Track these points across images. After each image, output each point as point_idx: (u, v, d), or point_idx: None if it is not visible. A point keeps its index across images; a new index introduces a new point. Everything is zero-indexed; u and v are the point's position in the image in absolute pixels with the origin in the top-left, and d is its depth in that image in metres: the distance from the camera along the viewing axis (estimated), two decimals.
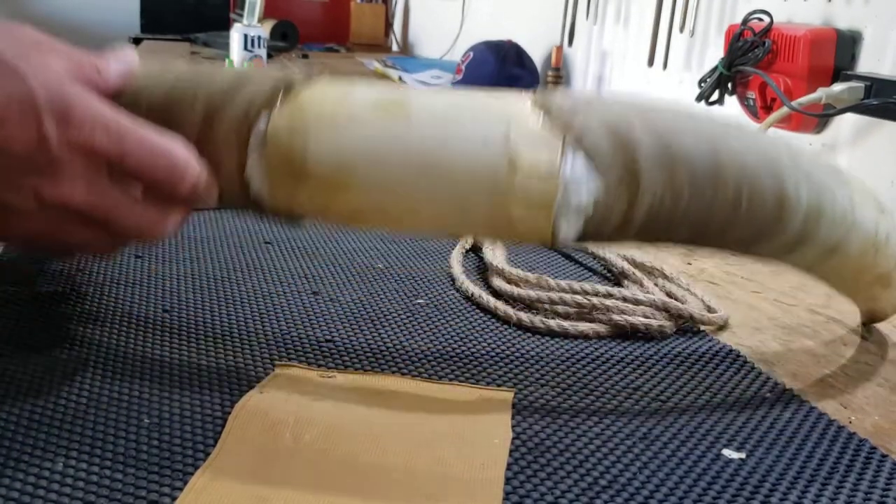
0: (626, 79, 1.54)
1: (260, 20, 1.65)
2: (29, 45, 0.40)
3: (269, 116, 0.44)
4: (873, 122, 0.93)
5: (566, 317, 0.59)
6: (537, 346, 0.55)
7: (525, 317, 0.58)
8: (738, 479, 0.41)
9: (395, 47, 2.87)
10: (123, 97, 0.44)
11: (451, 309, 0.61)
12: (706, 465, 0.42)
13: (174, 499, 0.36)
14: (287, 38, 2.39)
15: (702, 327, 0.60)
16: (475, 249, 0.74)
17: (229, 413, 0.44)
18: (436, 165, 0.43)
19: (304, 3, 2.82)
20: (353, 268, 0.68)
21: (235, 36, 1.59)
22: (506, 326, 0.58)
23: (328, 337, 0.55)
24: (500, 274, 0.65)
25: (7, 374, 0.46)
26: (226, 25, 2.28)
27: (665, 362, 0.54)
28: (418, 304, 0.62)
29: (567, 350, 0.55)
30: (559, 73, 1.59)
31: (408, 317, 0.59)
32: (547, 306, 0.60)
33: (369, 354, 0.52)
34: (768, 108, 1.02)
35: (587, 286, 0.60)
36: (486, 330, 0.58)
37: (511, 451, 0.42)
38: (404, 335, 0.56)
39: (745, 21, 1.06)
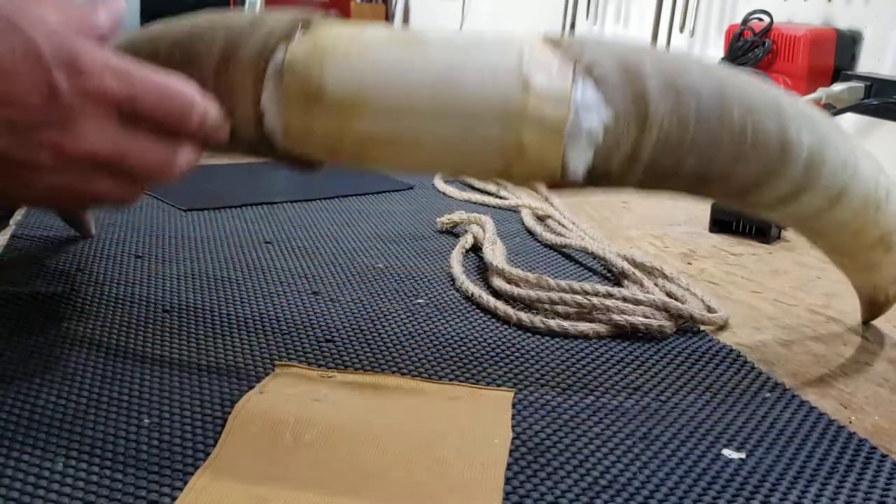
0: None
1: None
2: None
3: (286, 48, 0.44)
4: (873, 122, 0.93)
5: (566, 317, 0.59)
6: (537, 346, 0.55)
7: (525, 317, 0.58)
8: (738, 479, 0.41)
9: None
10: (132, 42, 0.45)
11: (451, 309, 0.61)
12: (706, 465, 0.42)
13: (174, 499, 0.36)
14: None
15: (702, 327, 0.60)
16: (475, 249, 0.74)
17: (229, 413, 0.44)
18: (449, 89, 0.43)
19: (305, 3, 2.82)
20: (353, 268, 0.68)
21: None
22: (506, 326, 0.58)
23: (328, 337, 0.55)
24: (500, 274, 0.65)
25: (7, 375, 0.46)
26: None
27: (665, 362, 0.54)
28: (418, 304, 0.62)
29: (567, 350, 0.55)
30: None
31: (408, 317, 0.59)
32: (547, 306, 0.60)
33: (369, 354, 0.52)
34: None
35: (587, 286, 0.60)
36: (486, 330, 0.58)
37: (511, 451, 0.42)
38: (404, 335, 0.56)
39: (745, 21, 1.06)
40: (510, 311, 0.59)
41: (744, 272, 0.75)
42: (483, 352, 0.54)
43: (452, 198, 0.93)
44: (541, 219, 0.85)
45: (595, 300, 0.59)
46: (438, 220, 0.80)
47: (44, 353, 0.49)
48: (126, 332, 0.53)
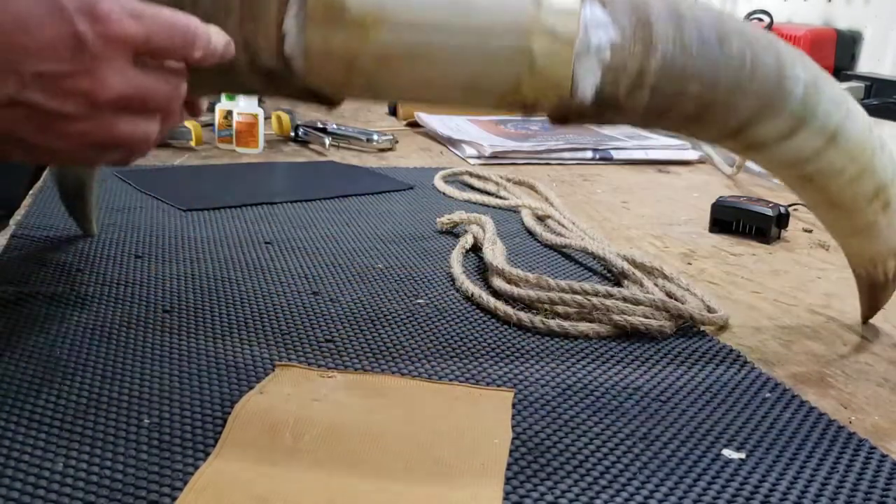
0: None
1: None
2: None
3: None
4: (873, 122, 0.93)
5: (566, 317, 0.59)
6: (537, 346, 0.55)
7: (525, 317, 0.58)
8: (738, 478, 0.41)
9: None
10: None
11: (451, 309, 0.61)
12: (706, 465, 0.42)
13: (174, 499, 0.36)
14: None
15: (702, 327, 0.60)
16: (475, 249, 0.74)
17: (229, 413, 0.44)
18: (465, 4, 0.45)
19: None
20: (353, 268, 0.68)
21: None
22: (506, 326, 0.58)
23: (328, 337, 0.55)
24: (500, 274, 0.65)
25: (7, 374, 0.46)
26: None
27: (665, 362, 0.54)
28: (418, 304, 0.62)
29: (567, 350, 0.55)
30: None
31: (408, 317, 0.59)
32: (547, 306, 0.60)
33: (369, 354, 0.52)
34: None
35: (587, 286, 0.60)
36: (486, 330, 0.58)
37: (511, 451, 0.42)
38: (404, 335, 0.56)
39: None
40: (510, 311, 0.59)
41: (744, 272, 0.75)
42: (483, 352, 0.54)
43: (452, 198, 0.93)
44: (541, 219, 0.85)
45: (595, 300, 0.59)
46: (438, 220, 0.80)
47: (44, 353, 0.49)
48: (126, 332, 0.53)
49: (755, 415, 0.48)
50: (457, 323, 0.59)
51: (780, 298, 0.69)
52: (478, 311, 0.61)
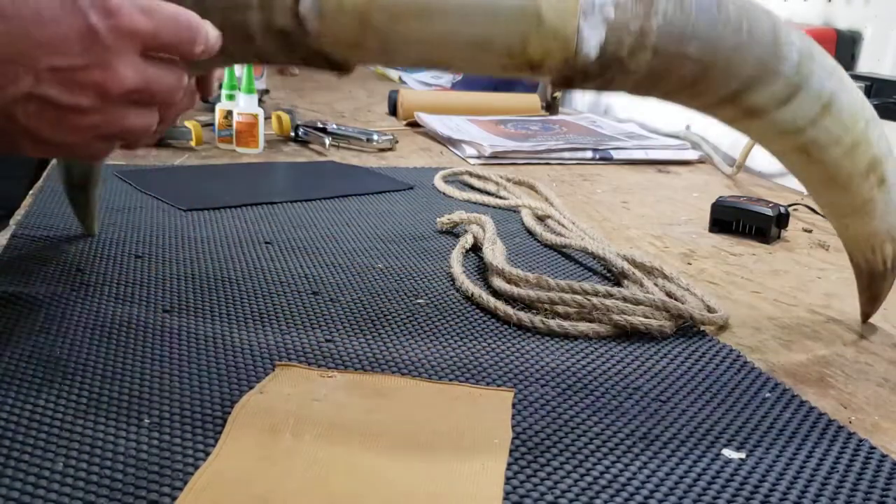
0: None
1: None
2: None
3: None
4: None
5: (566, 317, 0.59)
6: (537, 346, 0.55)
7: (525, 317, 0.58)
8: (738, 478, 0.41)
9: None
10: None
11: (451, 309, 0.61)
12: (706, 465, 0.42)
13: (174, 499, 0.36)
14: None
15: (702, 327, 0.60)
16: (475, 249, 0.74)
17: (229, 413, 0.44)
18: None
19: None
20: (353, 268, 0.68)
21: None
22: (506, 326, 0.58)
23: (328, 337, 0.55)
24: (500, 274, 0.65)
25: (7, 374, 0.46)
26: None
27: (665, 362, 0.54)
28: (418, 304, 0.62)
29: (567, 350, 0.55)
30: None
31: (408, 317, 0.59)
32: (547, 306, 0.60)
33: (369, 354, 0.52)
34: None
35: (587, 286, 0.60)
36: (486, 330, 0.58)
37: (511, 451, 0.42)
38: (404, 335, 0.56)
39: None
40: (510, 311, 0.59)
41: (744, 272, 0.75)
42: (483, 352, 0.54)
43: (452, 198, 0.93)
44: (541, 219, 0.85)
45: (595, 300, 0.59)
46: (438, 220, 0.80)
47: (44, 353, 0.49)
48: (126, 332, 0.53)
49: (755, 415, 0.48)
50: (457, 323, 0.59)
51: (780, 298, 0.69)
52: (478, 311, 0.61)
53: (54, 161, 0.86)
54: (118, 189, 0.87)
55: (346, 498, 0.37)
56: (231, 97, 1.12)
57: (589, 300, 0.59)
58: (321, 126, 1.19)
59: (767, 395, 0.50)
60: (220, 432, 0.42)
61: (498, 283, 0.64)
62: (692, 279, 0.70)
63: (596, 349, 0.55)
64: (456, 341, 0.55)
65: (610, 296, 0.59)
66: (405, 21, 0.47)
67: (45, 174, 0.90)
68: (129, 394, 0.45)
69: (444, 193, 0.95)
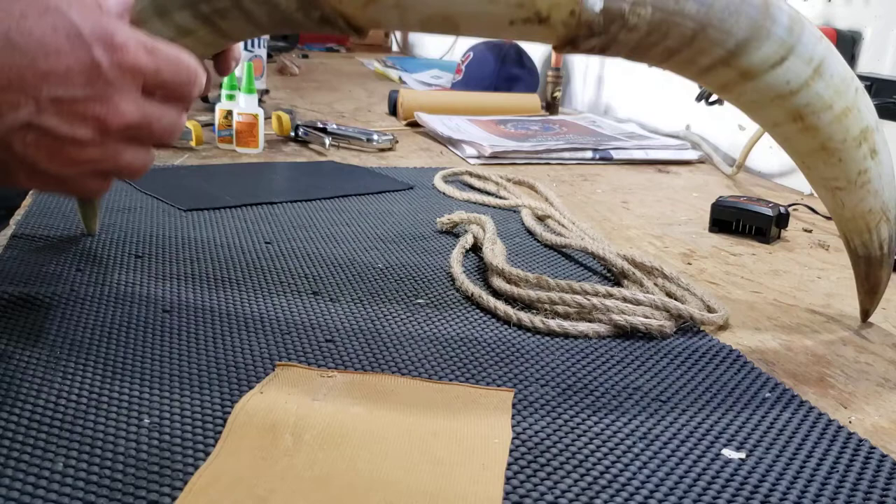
0: (627, 79, 1.54)
1: None
2: None
3: None
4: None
5: (566, 317, 0.59)
6: (537, 346, 0.55)
7: (525, 317, 0.58)
8: (738, 478, 0.41)
9: (395, 47, 2.87)
10: None
11: (451, 309, 0.61)
12: (706, 464, 0.42)
13: (174, 499, 0.36)
14: (287, 38, 2.39)
15: (702, 327, 0.60)
16: (475, 249, 0.74)
17: (229, 413, 0.44)
18: None
19: None
20: (353, 268, 0.68)
21: None
22: (506, 326, 0.58)
23: (328, 337, 0.55)
24: (500, 274, 0.65)
25: (7, 375, 0.46)
26: None
27: (665, 362, 0.54)
28: (418, 304, 0.62)
29: (567, 350, 0.55)
30: (559, 74, 1.59)
31: (408, 317, 0.59)
32: (547, 306, 0.60)
33: (369, 354, 0.52)
34: None
35: (587, 286, 0.60)
36: (486, 330, 0.58)
37: (511, 451, 0.42)
38: (404, 335, 0.56)
39: None
40: (510, 311, 0.59)
41: (744, 272, 0.75)
42: (483, 352, 0.54)
43: (452, 198, 0.93)
44: (541, 219, 0.85)
45: (595, 300, 0.59)
46: (438, 220, 0.80)
47: (44, 354, 0.49)
48: (126, 332, 0.53)
49: (755, 415, 0.48)
50: (457, 323, 0.59)
51: (780, 298, 0.69)
52: (478, 311, 0.61)
53: None
54: (118, 189, 0.87)
55: (346, 498, 0.37)
56: (231, 97, 1.12)
57: (589, 300, 0.59)
58: (321, 126, 1.19)
59: (767, 395, 0.50)
60: (220, 432, 0.42)
61: (498, 283, 0.64)
62: (692, 279, 0.70)
63: (596, 349, 0.55)
64: (456, 341, 0.55)
65: (610, 296, 0.59)
66: None
67: None
68: (129, 394, 0.45)
69: (444, 193, 0.95)
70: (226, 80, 1.12)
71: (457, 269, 0.67)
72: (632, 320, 0.58)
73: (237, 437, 0.41)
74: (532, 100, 1.55)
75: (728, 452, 0.43)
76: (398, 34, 2.87)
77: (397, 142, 1.22)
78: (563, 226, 0.82)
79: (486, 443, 0.42)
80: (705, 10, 0.50)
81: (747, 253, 0.81)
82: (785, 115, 0.54)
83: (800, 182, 1.09)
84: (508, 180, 1.00)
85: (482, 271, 0.69)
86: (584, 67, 1.68)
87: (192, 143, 1.10)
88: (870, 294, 0.63)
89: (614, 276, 0.69)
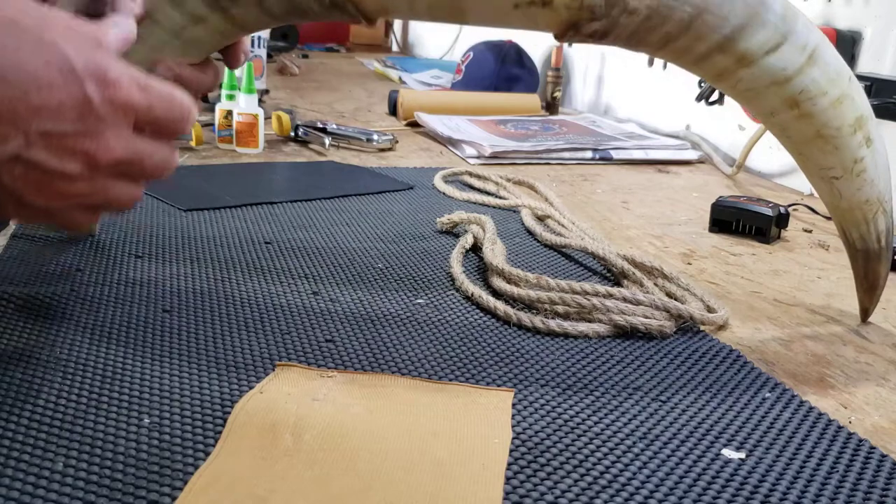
0: (627, 79, 1.54)
1: None
2: (35, 14, 0.41)
3: None
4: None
5: (566, 317, 0.59)
6: (537, 346, 0.55)
7: (525, 317, 0.58)
8: (738, 478, 0.41)
9: (395, 47, 2.87)
10: None
11: (451, 309, 0.61)
12: (706, 464, 0.42)
13: (174, 499, 0.36)
14: (287, 38, 2.39)
15: (702, 327, 0.60)
16: (475, 249, 0.74)
17: (229, 413, 0.44)
18: None
19: None
20: (353, 268, 0.68)
21: None
22: (506, 326, 0.58)
23: (328, 337, 0.55)
24: (500, 274, 0.65)
25: (7, 375, 0.46)
26: None
27: (665, 362, 0.54)
28: (418, 304, 0.62)
29: (567, 350, 0.55)
30: (559, 74, 1.59)
31: (408, 317, 0.59)
32: (547, 306, 0.60)
33: (369, 354, 0.52)
34: None
35: (587, 286, 0.60)
36: (486, 330, 0.58)
37: (511, 451, 0.42)
38: (404, 335, 0.56)
39: None
40: (510, 311, 0.59)
41: (744, 272, 0.75)
42: (483, 352, 0.54)
43: (452, 198, 0.93)
44: (541, 219, 0.85)
45: (595, 300, 0.59)
46: (438, 220, 0.80)
47: (44, 353, 0.49)
48: (126, 332, 0.53)
49: (755, 415, 0.48)
50: (457, 323, 0.59)
51: (780, 298, 0.69)
52: (478, 311, 0.61)
53: None
54: None
55: (346, 498, 0.37)
56: (231, 97, 1.12)
57: (589, 300, 0.59)
58: (321, 126, 1.19)
59: (767, 395, 0.50)
60: (220, 432, 0.42)
61: (498, 283, 0.64)
62: (692, 279, 0.70)
63: (596, 349, 0.55)
64: (456, 341, 0.55)
65: (610, 296, 0.59)
66: None
67: None
68: (129, 394, 0.45)
69: (444, 193, 0.95)
70: (226, 80, 1.12)
71: (457, 269, 0.67)
72: (632, 320, 0.58)
73: (237, 437, 0.41)
74: (532, 100, 1.55)
75: (728, 452, 0.43)
76: (398, 34, 2.87)
77: (397, 142, 1.22)
78: (563, 226, 0.82)
79: (486, 443, 0.42)
80: None
81: (747, 253, 0.81)
82: (781, 102, 0.55)
83: (800, 182, 1.09)
84: (508, 180, 1.00)
85: (482, 271, 0.69)
86: (584, 67, 1.68)
87: (192, 143, 1.10)
88: (869, 291, 0.63)
89: (614, 276, 0.69)
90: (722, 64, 0.53)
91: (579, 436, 0.44)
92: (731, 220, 0.87)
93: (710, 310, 0.62)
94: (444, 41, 2.39)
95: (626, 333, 0.58)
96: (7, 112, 0.39)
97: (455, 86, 1.70)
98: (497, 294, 0.63)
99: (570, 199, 0.98)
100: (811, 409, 0.49)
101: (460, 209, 0.82)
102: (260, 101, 1.16)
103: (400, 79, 1.98)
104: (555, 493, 0.39)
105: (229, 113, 1.10)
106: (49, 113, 0.39)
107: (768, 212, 0.85)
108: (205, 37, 0.54)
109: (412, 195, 0.94)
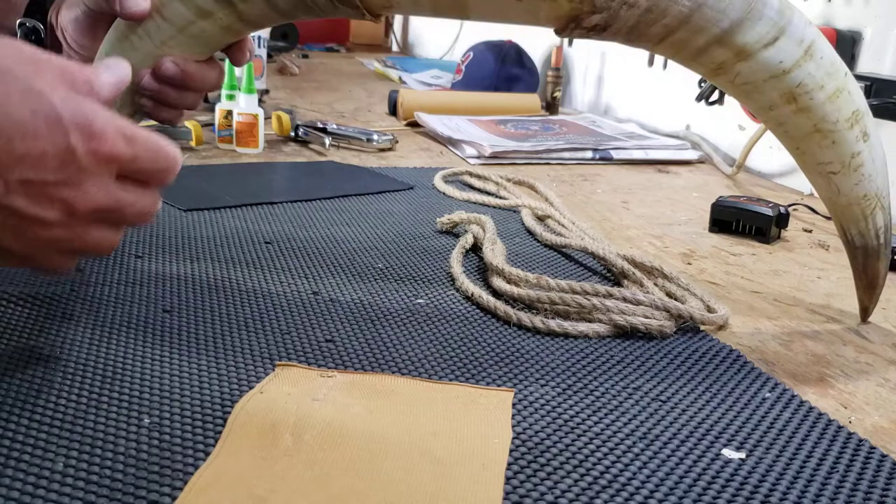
0: (627, 79, 1.54)
1: None
2: (28, 60, 0.41)
3: None
4: (874, 122, 0.93)
5: (566, 317, 0.59)
6: (537, 346, 0.55)
7: (525, 317, 0.58)
8: (738, 478, 0.41)
9: (395, 47, 2.87)
10: None
11: (451, 309, 0.61)
12: (706, 464, 0.42)
13: (174, 499, 0.36)
14: (287, 37, 2.39)
15: (702, 327, 0.60)
16: (475, 249, 0.74)
17: (229, 413, 0.44)
18: None
19: None
20: (353, 268, 0.68)
21: None
22: (506, 326, 0.58)
23: (328, 337, 0.55)
24: (500, 274, 0.65)
25: (7, 374, 0.46)
26: None
27: (665, 362, 0.54)
28: (418, 304, 0.62)
29: (567, 350, 0.55)
30: (559, 74, 1.59)
31: (408, 317, 0.59)
32: (547, 306, 0.60)
33: (369, 354, 0.52)
34: None
35: (587, 286, 0.60)
36: (486, 330, 0.58)
37: (511, 451, 0.42)
38: (404, 335, 0.56)
39: None
40: (510, 311, 0.59)
41: (744, 272, 0.75)
42: (483, 352, 0.54)
43: (452, 198, 0.93)
44: (541, 219, 0.85)
45: (595, 300, 0.59)
46: (438, 220, 0.80)
47: (44, 353, 0.49)
48: (126, 332, 0.53)
49: (755, 415, 0.48)
50: (457, 323, 0.59)
51: (780, 298, 0.69)
52: (478, 311, 0.61)
53: None
54: None
55: (346, 498, 0.37)
56: (231, 97, 1.12)
57: (589, 300, 0.59)
58: (321, 126, 1.19)
59: (767, 395, 0.50)
60: (220, 432, 0.42)
61: (498, 283, 0.64)
62: (692, 279, 0.70)
63: (596, 349, 0.55)
64: (456, 341, 0.55)
65: (610, 296, 0.59)
66: None
67: None
68: (129, 394, 0.45)
69: (444, 193, 0.95)
70: (226, 80, 1.12)
71: (457, 269, 0.67)
72: (632, 320, 0.58)
73: (237, 437, 0.41)
74: (532, 100, 1.55)
75: (728, 452, 0.43)
76: (398, 34, 2.87)
77: (397, 142, 1.22)
78: (563, 226, 0.82)
79: (486, 443, 0.42)
80: None
81: (747, 253, 0.81)
82: (779, 96, 0.55)
83: (800, 182, 1.09)
84: (508, 180, 1.00)
85: (482, 271, 0.69)
86: (584, 67, 1.68)
87: (192, 143, 1.10)
88: (868, 289, 0.63)
89: (614, 276, 0.69)
90: (720, 58, 0.53)
91: (579, 436, 0.44)
92: (731, 220, 0.87)
93: (710, 310, 0.62)
94: (444, 41, 2.38)
95: (626, 333, 0.58)
96: None
97: (455, 86, 1.70)
98: (497, 294, 0.63)
99: (570, 199, 0.98)
100: (811, 409, 0.49)
101: (460, 209, 0.82)
102: (260, 101, 1.16)
103: (400, 79, 1.98)
104: (555, 493, 0.39)
105: (229, 113, 1.10)
106: (31, 161, 0.39)
107: (768, 212, 0.85)
108: (211, 32, 0.54)
109: (412, 195, 0.94)
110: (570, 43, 1.69)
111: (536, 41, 1.74)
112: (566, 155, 1.21)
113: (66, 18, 0.59)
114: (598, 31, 0.52)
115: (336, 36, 2.82)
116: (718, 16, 0.51)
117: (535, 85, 1.66)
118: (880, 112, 0.89)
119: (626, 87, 1.55)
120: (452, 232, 0.80)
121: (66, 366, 0.48)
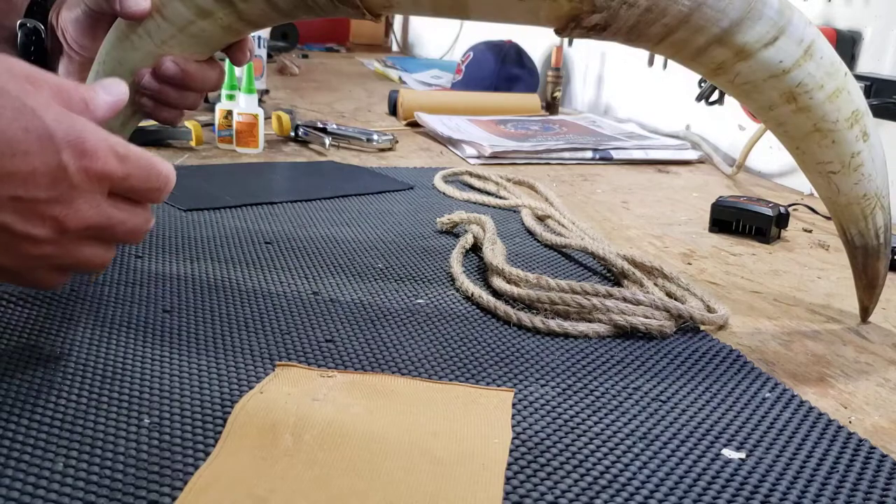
0: (627, 79, 1.54)
1: None
2: (23, 78, 0.41)
3: None
4: (874, 122, 0.93)
5: (566, 317, 0.59)
6: (537, 346, 0.55)
7: (525, 317, 0.58)
8: (738, 478, 0.41)
9: (395, 47, 2.87)
10: None
11: (451, 309, 0.61)
12: (706, 464, 0.42)
13: (174, 499, 0.36)
14: (287, 37, 2.39)
15: (702, 327, 0.60)
16: (475, 249, 0.74)
17: (229, 413, 0.44)
18: None
19: None
20: (353, 268, 0.68)
21: None
22: (506, 326, 0.58)
23: (328, 337, 0.55)
24: (500, 274, 0.65)
25: (7, 374, 0.46)
26: None
27: (665, 362, 0.54)
28: (418, 304, 0.62)
29: (567, 350, 0.55)
30: (559, 74, 1.59)
31: (408, 317, 0.59)
32: (547, 306, 0.60)
33: (369, 354, 0.52)
34: None
35: (587, 286, 0.60)
36: (486, 330, 0.58)
37: (511, 451, 0.42)
38: (404, 335, 0.56)
39: None
40: (510, 311, 0.59)
41: (744, 272, 0.75)
42: (483, 352, 0.54)
43: (452, 198, 0.93)
44: (541, 219, 0.85)
45: (595, 300, 0.59)
46: (438, 220, 0.80)
47: (44, 353, 0.49)
48: (126, 332, 0.53)
49: (755, 415, 0.48)
50: (457, 323, 0.59)
51: (780, 298, 0.69)
52: (478, 311, 0.61)
53: None
54: None
55: (346, 498, 0.37)
56: (231, 97, 1.12)
57: (589, 300, 0.59)
58: (321, 126, 1.19)
59: (767, 395, 0.50)
60: (220, 432, 0.42)
61: (498, 283, 0.64)
62: (692, 279, 0.70)
63: (596, 349, 0.55)
64: (456, 341, 0.55)
65: (610, 296, 0.59)
66: None
67: None
68: (129, 394, 0.45)
69: (444, 193, 0.95)
70: (226, 80, 1.12)
71: (457, 269, 0.67)
72: (632, 320, 0.58)
73: (237, 437, 0.41)
74: (532, 100, 1.55)
75: (728, 452, 0.43)
76: (398, 34, 2.87)
77: (397, 142, 1.22)
78: (563, 226, 0.82)
79: (486, 443, 0.42)
80: None
81: (747, 253, 0.81)
82: (779, 95, 0.55)
83: (800, 182, 1.09)
84: (508, 180, 1.00)
85: (482, 271, 0.69)
86: (584, 67, 1.68)
87: (192, 143, 1.10)
88: (868, 289, 0.63)
89: (614, 276, 0.69)
90: (720, 57, 0.53)
91: (579, 436, 0.44)
92: (731, 220, 0.87)
93: (710, 310, 0.62)
94: (444, 41, 2.38)
95: (626, 333, 0.58)
96: None
97: (455, 86, 1.70)
98: (497, 294, 0.63)
99: (570, 199, 0.98)
100: (811, 409, 0.49)
101: (460, 209, 0.82)
102: (260, 101, 1.16)
103: (400, 79, 1.98)
104: (555, 493, 0.39)
105: (229, 113, 1.10)
106: (22, 179, 0.39)
107: (768, 212, 0.85)
108: (211, 32, 0.54)
109: (412, 195, 0.94)
110: (570, 43, 1.69)
111: (536, 41, 1.74)
112: (566, 155, 1.21)
113: (67, 19, 0.59)
114: (598, 31, 0.52)
115: (336, 36, 2.82)
116: (718, 15, 0.51)
117: (535, 85, 1.66)
118: (880, 112, 0.89)
119: (626, 87, 1.55)
120: (452, 232, 0.80)
121: (66, 366, 0.48)
